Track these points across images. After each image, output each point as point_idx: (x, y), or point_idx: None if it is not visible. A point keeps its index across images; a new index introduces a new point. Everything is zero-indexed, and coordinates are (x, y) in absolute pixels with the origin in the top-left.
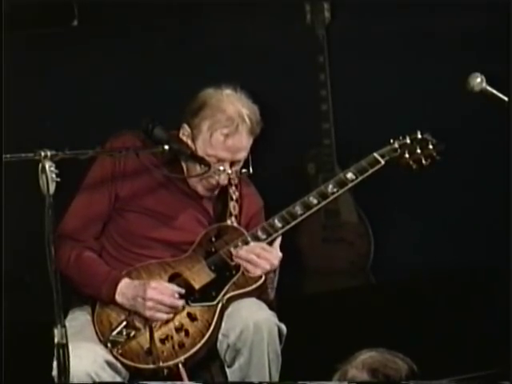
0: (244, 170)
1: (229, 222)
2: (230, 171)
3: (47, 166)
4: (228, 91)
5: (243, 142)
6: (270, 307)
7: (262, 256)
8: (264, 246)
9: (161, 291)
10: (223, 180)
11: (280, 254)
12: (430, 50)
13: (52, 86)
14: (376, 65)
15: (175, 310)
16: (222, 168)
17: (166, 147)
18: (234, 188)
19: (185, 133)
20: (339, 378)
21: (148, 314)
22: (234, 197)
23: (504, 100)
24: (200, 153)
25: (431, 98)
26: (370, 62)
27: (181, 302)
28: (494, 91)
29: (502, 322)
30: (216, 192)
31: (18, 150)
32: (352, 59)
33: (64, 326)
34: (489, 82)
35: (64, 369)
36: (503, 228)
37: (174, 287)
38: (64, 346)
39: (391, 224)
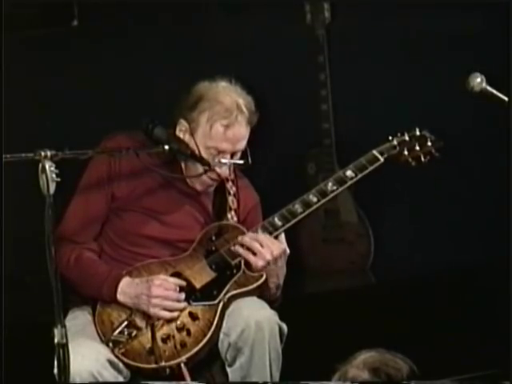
0: (242, 161)
1: (229, 216)
2: (230, 162)
3: (47, 166)
4: (223, 83)
5: (242, 132)
6: (274, 306)
7: (264, 244)
8: (269, 236)
9: (165, 287)
10: (224, 172)
11: (284, 247)
12: (430, 50)
13: (52, 85)
14: (376, 65)
15: (179, 307)
16: (223, 160)
17: (166, 147)
18: (230, 183)
19: (182, 128)
20: (339, 377)
21: (152, 311)
22: (232, 191)
23: (504, 100)
24: (200, 146)
25: (431, 98)
26: (369, 62)
27: (183, 296)
28: (494, 91)
29: (502, 321)
30: (213, 187)
31: (18, 150)
32: (352, 59)
33: (64, 326)
34: (489, 82)
35: (64, 369)
36: (503, 228)
37: (176, 280)
38: (64, 346)
39: (391, 224)
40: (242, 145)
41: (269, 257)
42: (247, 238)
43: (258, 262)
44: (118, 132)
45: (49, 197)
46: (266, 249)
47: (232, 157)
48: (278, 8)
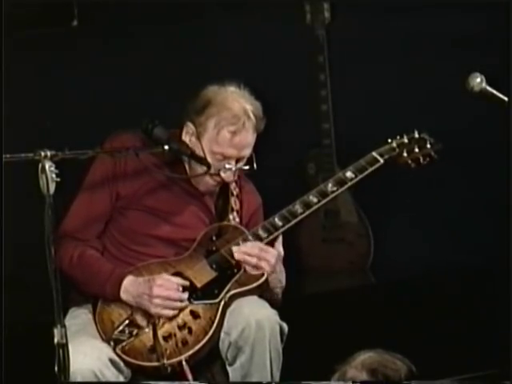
0: (247, 167)
1: (231, 217)
2: (235, 168)
3: (47, 166)
4: (232, 88)
5: (249, 139)
6: (276, 306)
7: (261, 257)
8: (261, 246)
9: (167, 287)
10: (229, 177)
11: (281, 251)
12: (430, 50)
13: (52, 85)
14: (376, 65)
15: (181, 306)
16: (228, 166)
17: (166, 147)
18: (234, 184)
19: (189, 131)
20: (338, 378)
21: (154, 310)
22: (235, 192)
23: (504, 100)
24: (206, 150)
25: (431, 97)
26: (369, 62)
27: (186, 295)
28: (494, 91)
29: (502, 321)
30: (217, 189)
31: (18, 150)
32: (352, 59)
33: (64, 326)
34: (489, 82)
35: (64, 369)
36: (503, 228)
37: (178, 280)
38: (64, 346)
39: (391, 224)
40: (248, 151)
41: (268, 269)
42: (240, 255)
43: (252, 272)
44: (124, 131)
45: (49, 197)
46: (263, 262)
47: (237, 162)
48: (278, 8)
